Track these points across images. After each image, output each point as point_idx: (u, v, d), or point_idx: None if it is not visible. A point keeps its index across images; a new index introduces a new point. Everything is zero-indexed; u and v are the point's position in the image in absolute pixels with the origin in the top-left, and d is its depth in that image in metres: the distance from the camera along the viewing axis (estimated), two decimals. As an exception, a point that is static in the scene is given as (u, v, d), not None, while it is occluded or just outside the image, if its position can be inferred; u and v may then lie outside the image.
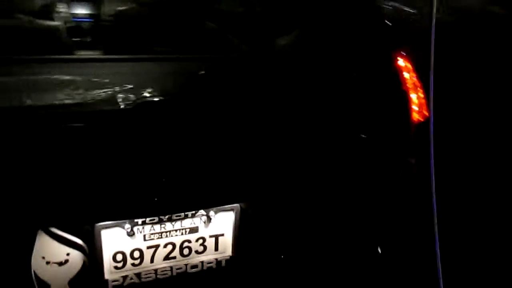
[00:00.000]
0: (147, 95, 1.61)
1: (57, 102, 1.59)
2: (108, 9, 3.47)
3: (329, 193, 1.66)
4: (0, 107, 1.41)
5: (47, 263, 1.40)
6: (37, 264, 1.39)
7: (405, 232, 1.92)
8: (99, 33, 3.68)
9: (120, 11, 3.17)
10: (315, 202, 1.65)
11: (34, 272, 1.39)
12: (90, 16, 4.12)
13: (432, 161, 2.07)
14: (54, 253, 1.40)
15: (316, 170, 1.63)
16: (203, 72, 1.70)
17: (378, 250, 1.88)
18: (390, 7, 6.22)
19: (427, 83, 1.84)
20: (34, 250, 1.38)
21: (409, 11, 5.99)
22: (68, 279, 1.44)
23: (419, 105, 1.79)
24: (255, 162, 1.54)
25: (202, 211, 1.52)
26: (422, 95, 1.80)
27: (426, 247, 2.09)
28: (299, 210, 1.64)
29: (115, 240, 1.44)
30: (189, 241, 1.53)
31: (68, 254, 1.41)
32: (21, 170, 1.31)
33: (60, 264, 1.41)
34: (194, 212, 1.51)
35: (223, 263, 1.59)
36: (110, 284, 1.47)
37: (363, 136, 1.71)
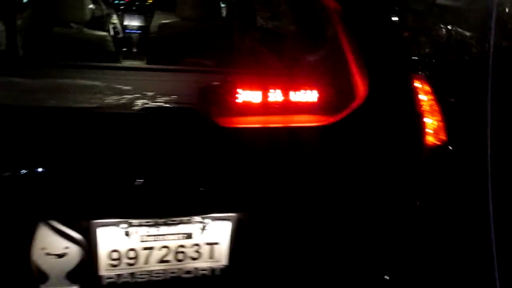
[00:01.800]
0: (158, 101, 1.68)
1: (73, 104, 1.69)
2: (156, 22, 3.64)
3: (332, 212, 1.63)
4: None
5: (47, 254, 1.48)
6: (37, 254, 1.47)
7: (418, 259, 1.84)
8: (146, 44, 3.86)
9: (164, 24, 3.31)
10: (316, 220, 1.63)
11: (34, 262, 1.47)
12: (138, 28, 4.34)
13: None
14: (53, 245, 1.47)
15: (320, 187, 1.61)
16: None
17: (385, 277, 1.81)
18: (444, 29, 6.03)
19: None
20: (34, 241, 1.46)
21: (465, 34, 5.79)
22: (66, 272, 1.50)
23: (436, 129, 1.74)
24: (257, 173, 1.55)
25: (198, 218, 1.54)
26: (439, 119, 1.75)
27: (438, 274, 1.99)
28: (299, 227, 1.62)
29: (111, 238, 1.50)
30: (184, 247, 1.56)
31: (66, 248, 1.48)
32: (26, 163, 1.41)
33: (59, 256, 1.49)
34: (190, 218, 1.53)
35: (218, 272, 1.60)
36: (105, 280, 1.53)
37: (372, 156, 1.68)
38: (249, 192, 1.54)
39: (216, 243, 1.57)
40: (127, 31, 4.17)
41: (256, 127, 1.59)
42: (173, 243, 1.55)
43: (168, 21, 3.42)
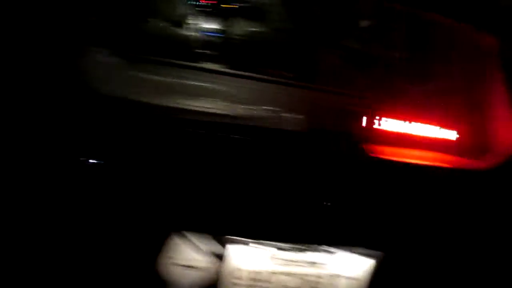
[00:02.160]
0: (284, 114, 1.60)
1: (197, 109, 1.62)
2: (238, 28, 3.57)
3: (470, 263, 1.52)
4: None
5: (173, 264, 1.40)
6: (162, 263, 1.40)
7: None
8: (224, 49, 3.80)
9: (251, 31, 3.24)
10: (457, 272, 1.52)
11: (157, 270, 1.40)
12: (215, 31, 4.28)
13: None
14: (181, 256, 1.40)
15: (463, 235, 1.51)
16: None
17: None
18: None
19: None
20: (163, 250, 1.38)
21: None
22: (187, 284, 1.43)
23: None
24: (409, 212, 1.47)
25: (333, 249, 1.45)
26: None
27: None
28: (443, 277, 1.52)
29: (239, 256, 1.42)
30: (311, 276, 1.47)
31: (194, 260, 1.41)
32: (165, 172, 1.36)
33: (185, 267, 1.42)
34: (323, 248, 1.45)
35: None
36: (224, 298, 1.45)
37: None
38: (397, 231, 1.44)
39: (348, 277, 1.47)
40: (203, 32, 4.12)
41: (402, 160, 1.49)
42: (299, 270, 1.46)
43: (254, 29, 3.35)
